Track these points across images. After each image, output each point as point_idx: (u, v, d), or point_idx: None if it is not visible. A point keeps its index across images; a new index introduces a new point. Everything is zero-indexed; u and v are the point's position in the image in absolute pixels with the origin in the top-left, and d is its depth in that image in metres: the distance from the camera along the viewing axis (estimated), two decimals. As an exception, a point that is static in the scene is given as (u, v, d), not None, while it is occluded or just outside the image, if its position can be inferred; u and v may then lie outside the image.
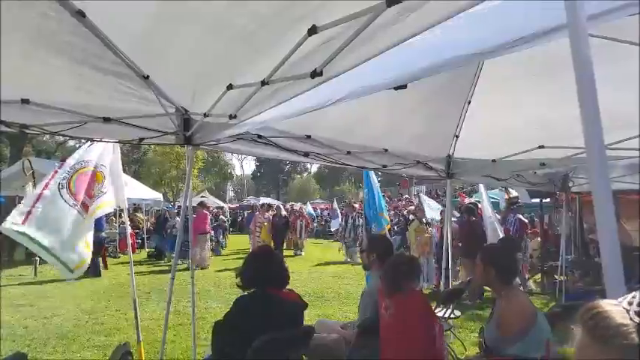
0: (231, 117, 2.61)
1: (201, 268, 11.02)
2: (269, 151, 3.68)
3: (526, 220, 9.22)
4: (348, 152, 4.11)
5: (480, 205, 8.76)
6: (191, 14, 2.01)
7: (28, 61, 2.42)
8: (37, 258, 10.84)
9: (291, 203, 21.55)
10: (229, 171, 40.10)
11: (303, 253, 14.84)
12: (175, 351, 4.93)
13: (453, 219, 7.67)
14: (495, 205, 10.21)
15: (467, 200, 12.33)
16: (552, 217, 10.84)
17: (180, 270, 10.26)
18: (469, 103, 4.02)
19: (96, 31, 2.11)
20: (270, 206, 14.97)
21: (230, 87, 2.46)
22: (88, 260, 3.59)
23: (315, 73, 1.83)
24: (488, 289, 3.28)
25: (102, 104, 2.87)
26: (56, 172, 3.81)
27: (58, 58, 2.36)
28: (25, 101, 2.77)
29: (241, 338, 2.28)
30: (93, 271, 10.01)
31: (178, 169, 25.64)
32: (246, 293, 2.53)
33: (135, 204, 16.02)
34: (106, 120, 2.96)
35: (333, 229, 19.72)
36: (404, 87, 1.63)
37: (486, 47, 1.32)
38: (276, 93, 2.25)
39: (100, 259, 10.91)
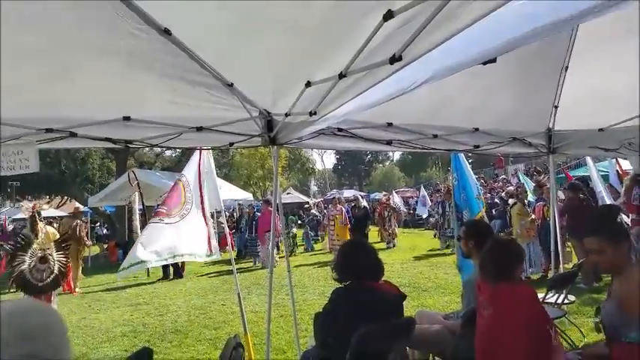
0: (311, 114, 2.67)
1: (262, 267, 11.02)
2: (351, 143, 3.71)
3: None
4: (435, 136, 3.99)
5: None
6: (266, 21, 2.09)
7: (125, 81, 2.68)
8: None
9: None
10: (311, 166, 40.95)
11: (396, 244, 14.16)
12: (279, 341, 5.20)
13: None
14: (605, 179, 9.29)
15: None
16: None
17: (242, 271, 10.73)
18: (566, 69, 3.69)
19: (182, 46, 2.28)
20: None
21: (308, 84, 2.52)
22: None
23: (394, 59, 1.81)
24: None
25: (194, 115, 3.09)
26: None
27: (152, 76, 2.59)
28: (126, 119, 3.06)
29: (341, 330, 2.34)
30: (175, 273, 10.89)
31: (264, 169, 26.76)
32: (342, 285, 2.58)
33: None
34: (199, 129, 3.20)
35: (424, 216, 19.26)
36: (493, 61, 1.54)
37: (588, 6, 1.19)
38: (354, 84, 2.26)
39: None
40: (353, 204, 13.50)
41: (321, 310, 2.59)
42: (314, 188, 60.34)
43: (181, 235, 4.07)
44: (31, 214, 7.28)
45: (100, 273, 12.33)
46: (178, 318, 6.84)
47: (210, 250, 4.20)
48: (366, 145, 3.75)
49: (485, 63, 1.59)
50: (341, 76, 2.20)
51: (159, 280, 10.68)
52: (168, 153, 25.99)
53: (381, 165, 63.75)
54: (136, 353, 1.30)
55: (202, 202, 4.31)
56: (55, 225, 12.76)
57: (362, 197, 15.87)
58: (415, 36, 1.77)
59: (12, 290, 7.61)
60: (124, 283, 10.45)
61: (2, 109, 2.76)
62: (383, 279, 2.66)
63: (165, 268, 10.85)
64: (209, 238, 4.24)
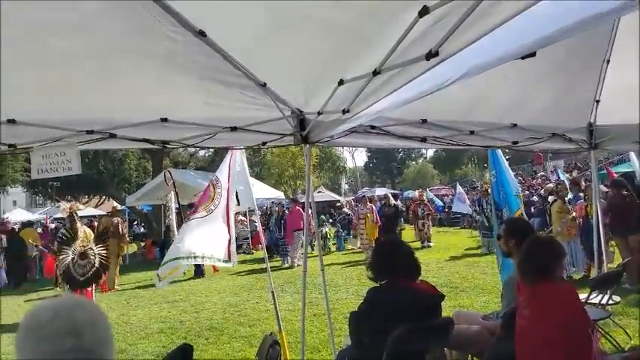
0: (344, 112, 2.67)
1: (289, 267, 10.96)
2: (384, 140, 3.69)
3: None
4: (472, 132, 3.92)
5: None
6: (299, 20, 2.11)
7: (162, 83, 2.77)
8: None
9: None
10: (342, 164, 40.87)
11: (432, 244, 13.54)
12: (314, 340, 5.24)
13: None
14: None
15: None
16: None
17: (273, 269, 10.78)
18: (608, 62, 3.55)
19: (216, 47, 2.33)
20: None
21: (341, 82, 2.52)
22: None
23: (430, 55, 1.79)
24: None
25: (228, 115, 3.15)
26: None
27: (187, 77, 2.66)
28: (163, 120, 3.15)
29: (378, 330, 2.34)
30: (198, 272, 11.06)
31: (295, 168, 26.90)
32: (377, 285, 2.57)
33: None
34: (233, 129, 3.25)
35: (465, 212, 18.82)
36: (532, 55, 1.50)
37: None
38: (388, 81, 2.25)
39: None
40: (383, 202, 13.20)
41: (356, 310, 2.59)
42: (345, 187, 60.27)
43: (203, 235, 4.15)
44: (68, 214, 7.62)
45: (137, 270, 12.72)
46: (214, 315, 6.98)
47: (228, 257, 4.21)
48: (399, 143, 3.72)
49: (524, 57, 1.55)
50: (375, 73, 2.20)
51: (192, 277, 10.93)
52: (201, 153, 26.55)
53: (413, 162, 62.93)
54: (177, 349, 1.33)
55: (228, 206, 4.34)
56: (94, 223, 13.31)
57: (393, 195, 15.47)
58: (452, 31, 1.74)
59: (60, 287, 8.00)
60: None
61: (46, 113, 2.90)
62: (420, 279, 2.64)
63: (197, 265, 11.10)
64: (229, 244, 4.25)
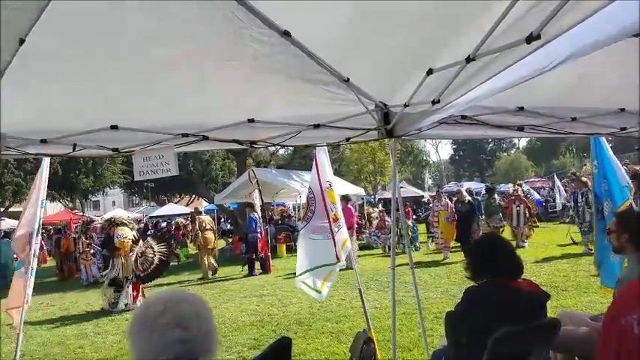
0: (434, 102, 2.60)
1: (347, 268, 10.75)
2: (475, 130, 3.54)
3: None
4: (573, 119, 3.63)
5: None
6: (384, 14, 2.09)
7: (249, 85, 2.89)
8: (269, 253, 12.86)
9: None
10: (425, 158, 39.79)
11: (526, 244, 12.12)
12: (404, 339, 5.19)
13: None
14: None
15: None
16: None
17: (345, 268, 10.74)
18: None
19: (301, 46, 2.39)
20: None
21: (430, 72, 2.46)
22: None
23: (531, 38, 1.68)
24: None
25: (311, 112, 3.22)
26: None
27: (273, 78, 2.76)
28: (251, 121, 3.30)
29: (478, 330, 2.27)
30: (250, 271, 11.56)
31: (375, 164, 26.73)
32: (475, 284, 2.50)
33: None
34: (316, 126, 3.32)
35: (558, 209, 17.54)
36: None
37: None
38: (483, 68, 2.16)
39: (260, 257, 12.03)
40: (456, 198, 12.17)
41: (452, 310, 2.53)
42: (428, 181, 58.69)
43: (310, 248, 4.34)
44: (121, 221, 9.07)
45: (226, 265, 13.45)
46: (300, 310, 7.19)
47: (337, 257, 4.28)
48: (494, 132, 3.55)
49: (638, 35, 1.41)
50: (469, 60, 2.12)
51: (261, 273, 11.48)
52: (281, 152, 27.41)
53: (504, 153, 59.64)
54: (277, 342, 1.40)
55: (325, 207, 4.39)
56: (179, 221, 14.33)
57: (468, 191, 13.89)
58: (556, 12, 1.63)
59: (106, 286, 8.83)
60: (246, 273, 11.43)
61: (144, 118, 3.17)
62: (521, 277, 2.52)
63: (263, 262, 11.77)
64: (334, 245, 4.31)
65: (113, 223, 8.95)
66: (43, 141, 3.09)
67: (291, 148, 20.20)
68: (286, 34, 2.27)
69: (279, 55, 2.47)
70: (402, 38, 2.32)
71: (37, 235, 4.25)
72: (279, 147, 16.62)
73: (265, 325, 6.52)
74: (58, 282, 13.58)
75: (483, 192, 16.00)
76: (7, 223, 27.25)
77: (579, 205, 10.70)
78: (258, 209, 13.33)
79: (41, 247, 17.76)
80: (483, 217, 12.98)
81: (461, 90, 2.37)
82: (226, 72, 2.70)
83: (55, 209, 33.39)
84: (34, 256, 4.19)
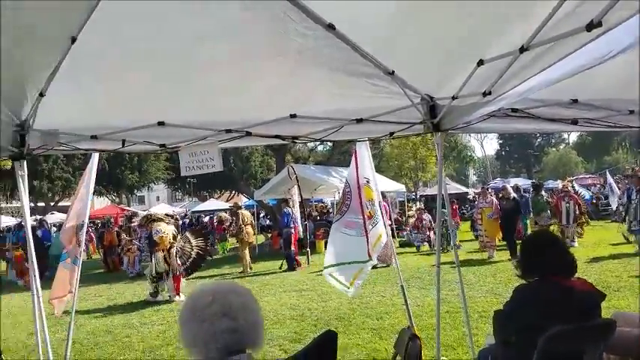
0: (484, 94, 2.52)
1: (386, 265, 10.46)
2: (528, 124, 3.41)
3: None
4: (631, 112, 3.43)
5: None
6: (431, 3, 2.04)
7: (293, 80, 2.90)
8: (307, 249, 12.96)
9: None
10: (469, 154, 38.70)
11: (576, 244, 11.56)
12: (447, 338, 5.11)
13: None
14: None
15: None
16: None
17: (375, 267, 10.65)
18: None
19: (345, 39, 2.37)
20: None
21: (481, 63, 2.39)
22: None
23: (592, 25, 1.60)
24: None
25: (354, 106, 3.20)
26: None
27: (317, 72, 2.76)
28: (292, 116, 3.30)
29: (528, 329, 2.20)
30: (289, 266, 11.63)
31: (416, 159, 26.34)
32: (526, 283, 2.42)
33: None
34: (359, 121, 3.28)
35: (614, 207, 16.65)
36: None
37: None
38: (538, 58, 2.07)
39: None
40: (500, 194, 11.68)
41: (500, 308, 2.46)
42: (473, 178, 57.29)
43: (341, 242, 4.31)
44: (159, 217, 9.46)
45: (265, 260, 13.65)
46: (340, 306, 7.19)
47: (369, 255, 4.23)
48: (546, 126, 3.40)
49: None
50: (522, 50, 2.03)
51: (284, 270, 11.62)
52: (320, 148, 27.46)
53: (553, 149, 57.42)
54: (324, 334, 1.41)
55: (361, 204, 4.34)
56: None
57: (515, 188, 13.53)
58: (616, 1, 1.54)
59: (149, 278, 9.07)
60: (284, 267, 11.64)
61: (190, 115, 3.24)
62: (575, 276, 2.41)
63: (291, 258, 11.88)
64: (367, 243, 4.25)
65: (150, 220, 9.25)
66: (94, 137, 3.20)
67: (329, 144, 20.19)
68: (331, 27, 2.25)
69: (323, 49, 2.46)
70: (450, 28, 2.26)
71: (84, 228, 4.41)
72: (317, 143, 16.71)
73: (305, 320, 6.57)
74: (104, 274, 14.16)
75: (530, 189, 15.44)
76: (57, 217, 28.82)
77: (632, 202, 10.10)
78: (297, 205, 13.45)
79: (90, 239, 18.73)
80: (531, 215, 12.54)
81: (513, 81, 2.28)
82: (271, 68, 2.72)
83: (103, 204, 34.96)
84: (80, 247, 4.34)
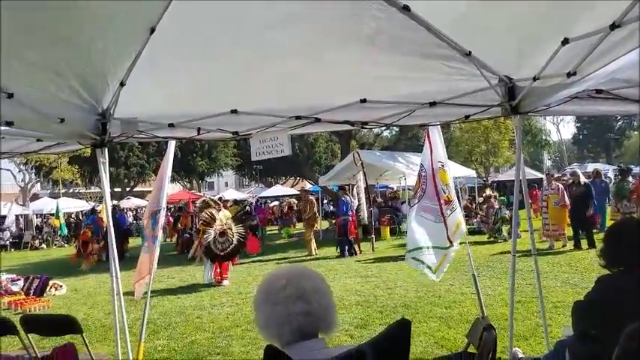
0: (569, 75, 2.37)
1: None
2: (614, 106, 3.20)
3: None
4: None
5: None
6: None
7: (364, 64, 2.89)
8: (372, 236, 12.96)
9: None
10: (544, 137, 36.35)
11: None
12: (519, 328, 4.97)
13: None
14: None
15: None
16: None
17: None
18: None
19: (420, 20, 2.32)
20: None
21: (565, 41, 2.24)
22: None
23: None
24: None
25: (426, 89, 3.13)
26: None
27: (389, 55, 2.73)
28: (362, 101, 3.29)
29: (611, 322, 2.07)
30: (348, 252, 11.73)
31: (488, 144, 25.30)
32: (610, 273, 2.28)
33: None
34: (432, 104, 3.21)
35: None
36: None
37: None
38: (630, 36, 1.91)
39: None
40: (571, 180, 11.04)
41: (581, 300, 2.34)
42: (547, 162, 54.08)
43: (421, 226, 4.27)
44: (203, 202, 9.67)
45: (330, 245, 13.81)
46: (407, 293, 7.17)
47: (450, 241, 4.17)
48: (632, 108, 3.16)
49: None
50: (613, 27, 1.89)
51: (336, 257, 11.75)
52: (386, 133, 27.13)
53: (636, 132, 52.79)
54: (398, 322, 1.42)
55: (436, 188, 4.27)
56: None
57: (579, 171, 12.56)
58: None
59: (197, 263, 9.45)
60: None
61: (261, 102, 3.33)
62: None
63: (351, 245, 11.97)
64: (446, 229, 4.19)
65: (205, 205, 9.51)
66: (171, 125, 3.37)
67: (396, 129, 19.90)
68: (405, 8, 2.22)
69: (397, 31, 2.43)
70: (532, 4, 2.14)
71: (163, 212, 4.67)
72: (384, 128, 16.51)
73: (371, 306, 6.61)
74: (178, 256, 14.96)
75: (615, 174, 14.32)
76: (132, 202, 30.81)
77: None
78: (362, 191, 13.44)
79: (168, 222, 19.82)
80: (612, 201, 11.70)
81: (602, 60, 2.12)
82: (342, 53, 2.73)
83: (175, 189, 36.98)
84: (160, 228, 4.59)
